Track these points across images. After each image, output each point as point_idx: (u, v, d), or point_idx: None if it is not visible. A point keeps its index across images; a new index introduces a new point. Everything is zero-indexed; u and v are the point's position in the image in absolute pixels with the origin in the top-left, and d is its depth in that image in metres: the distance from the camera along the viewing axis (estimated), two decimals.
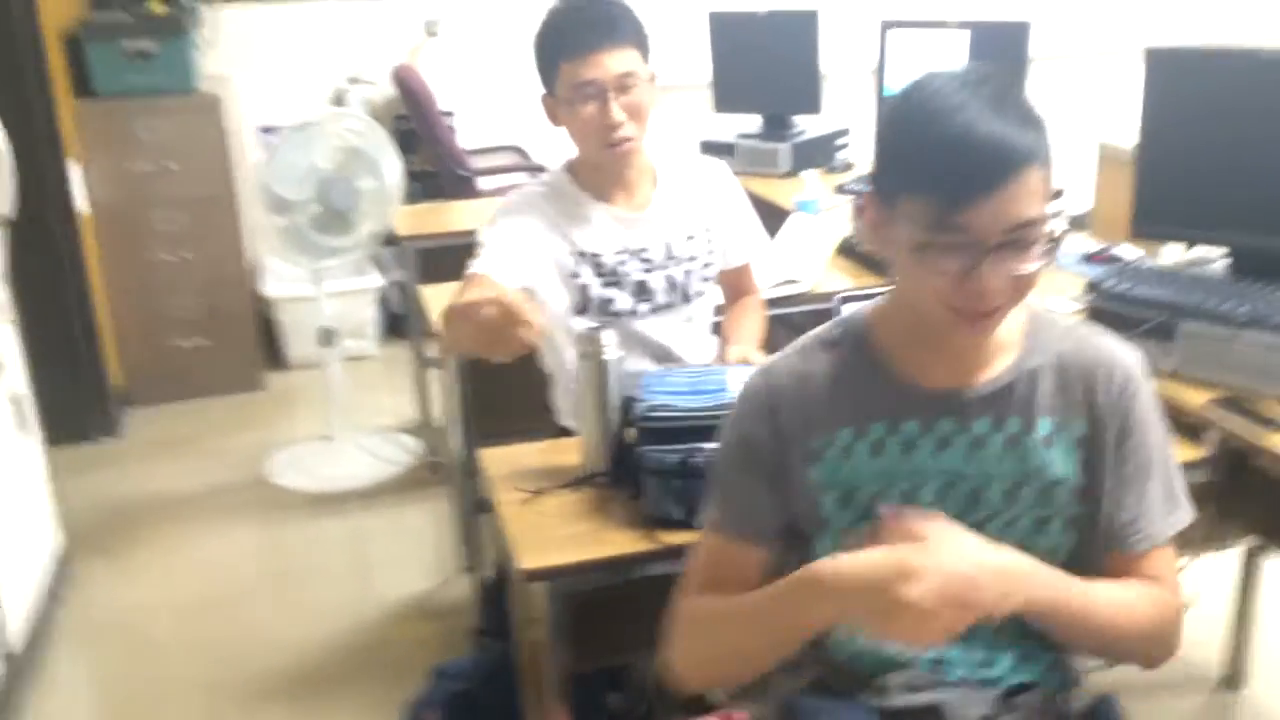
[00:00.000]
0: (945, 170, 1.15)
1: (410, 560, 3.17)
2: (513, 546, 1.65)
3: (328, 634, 2.84)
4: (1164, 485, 1.32)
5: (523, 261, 2.00)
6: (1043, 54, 2.86)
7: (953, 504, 1.27)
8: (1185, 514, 1.33)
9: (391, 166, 3.45)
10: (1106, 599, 1.26)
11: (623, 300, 2.09)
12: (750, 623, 1.27)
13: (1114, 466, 1.30)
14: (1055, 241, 1.22)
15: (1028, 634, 1.31)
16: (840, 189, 2.99)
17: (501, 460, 1.91)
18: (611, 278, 2.08)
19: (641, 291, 2.10)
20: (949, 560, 1.12)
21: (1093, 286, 2.06)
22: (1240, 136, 2.02)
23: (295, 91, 4.68)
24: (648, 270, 2.10)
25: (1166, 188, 2.10)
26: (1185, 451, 1.88)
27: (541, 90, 2.04)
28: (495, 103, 4.94)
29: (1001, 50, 2.73)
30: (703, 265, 2.16)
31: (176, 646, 2.83)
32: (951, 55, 2.79)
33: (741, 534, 1.35)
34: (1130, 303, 1.98)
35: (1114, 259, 2.51)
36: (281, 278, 4.57)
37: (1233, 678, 2.43)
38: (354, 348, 4.45)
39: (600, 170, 2.06)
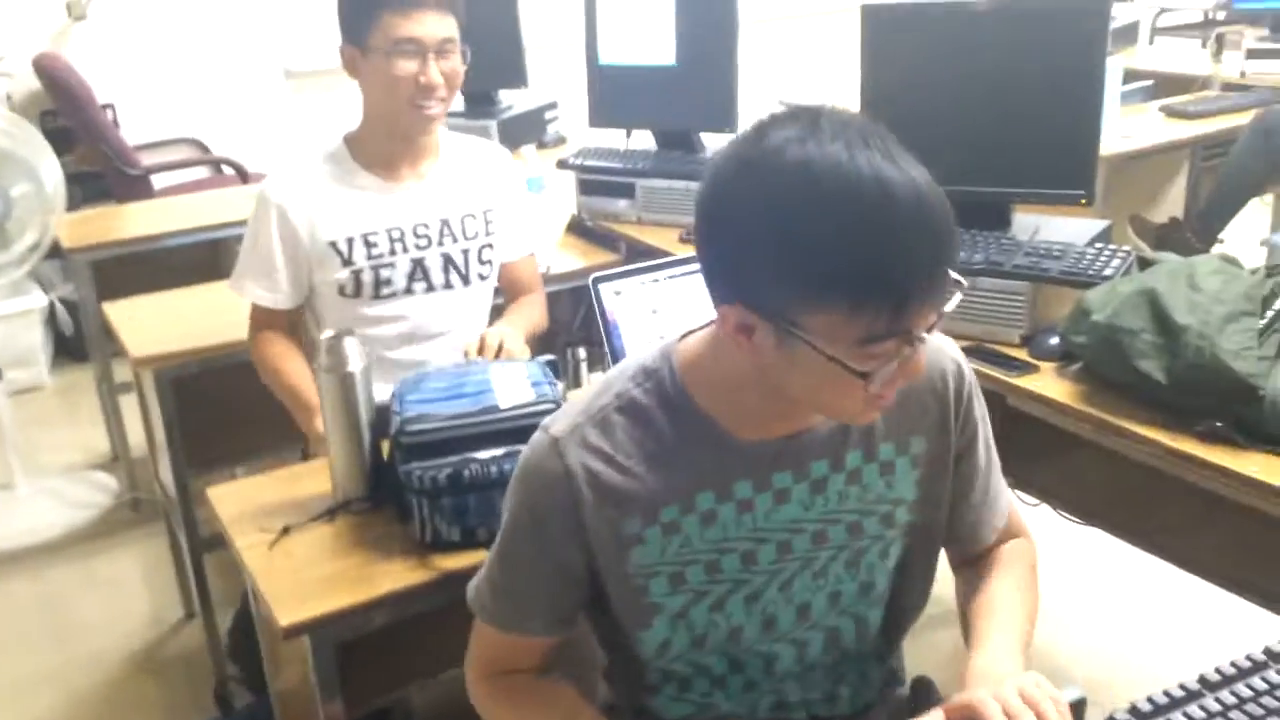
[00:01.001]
0: (890, 270, 0.91)
1: (124, 613, 2.79)
2: (264, 599, 1.43)
3: (37, 712, 2.45)
4: (996, 472, 1.27)
5: (288, 277, 1.97)
6: (753, 17, 2.86)
7: (796, 557, 1.15)
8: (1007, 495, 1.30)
9: (51, 169, 3.00)
10: (1026, 614, 1.20)
11: (398, 280, 1.99)
12: None
13: (957, 474, 1.21)
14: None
15: (862, 655, 1.26)
16: (562, 164, 2.88)
17: (233, 497, 1.67)
18: (387, 258, 1.97)
19: (417, 271, 2.00)
20: None
21: None
22: (952, 90, 2.07)
23: None
24: (423, 247, 1.99)
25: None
26: None
27: (341, 39, 1.92)
28: (163, 92, 4.47)
29: (709, 15, 2.69)
30: (480, 247, 2.06)
31: None
32: (660, 21, 2.73)
33: (523, 630, 1.20)
34: None
35: None
36: None
37: None
38: (21, 379, 3.92)
39: (392, 136, 1.96)
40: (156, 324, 2.39)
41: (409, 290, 2.00)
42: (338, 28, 1.95)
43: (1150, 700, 1.08)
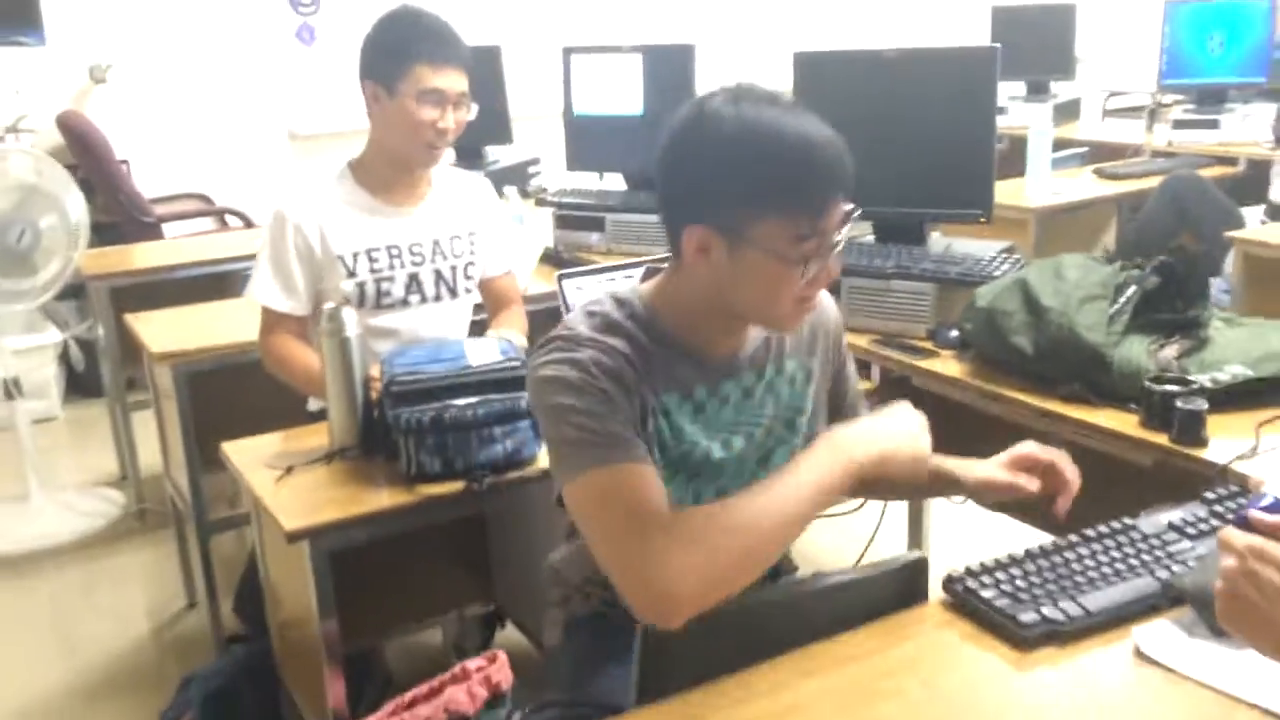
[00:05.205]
0: (808, 183, 1.25)
1: (131, 604, 3.03)
2: (270, 514, 1.70)
3: (48, 695, 2.68)
4: (859, 388, 1.63)
5: (303, 284, 2.21)
6: (707, 72, 3.22)
7: (732, 454, 1.41)
8: None
9: (75, 203, 3.32)
10: None
11: (396, 291, 2.25)
12: (770, 506, 1.25)
13: (834, 389, 1.55)
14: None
15: None
16: (540, 200, 3.20)
17: (246, 450, 1.94)
18: (386, 271, 2.23)
19: (413, 284, 2.26)
20: None
21: None
22: (872, 126, 2.39)
23: None
24: (417, 264, 2.26)
25: None
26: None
27: (366, 75, 2.19)
28: (175, 149, 4.82)
29: (671, 71, 3.05)
30: (466, 264, 2.34)
31: None
32: (628, 77, 3.09)
33: (646, 458, 1.29)
34: None
35: None
36: None
37: None
38: (36, 409, 4.17)
39: (396, 166, 2.24)
40: (172, 329, 2.68)
41: (405, 301, 2.26)
42: (362, 65, 2.20)
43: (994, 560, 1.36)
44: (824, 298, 1.51)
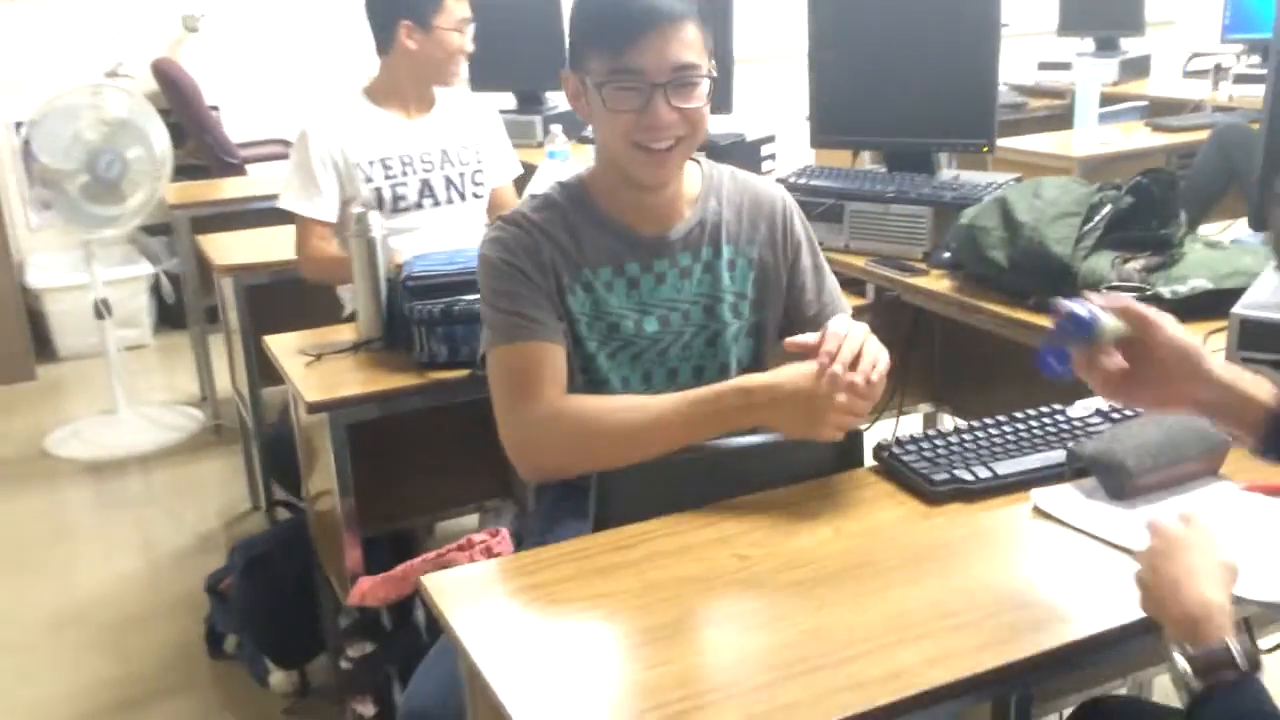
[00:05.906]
0: (615, 22, 1.43)
1: (202, 505, 3.32)
2: (298, 393, 1.91)
3: (125, 582, 2.96)
4: (828, 277, 1.69)
5: (331, 192, 2.49)
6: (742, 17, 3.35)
7: (671, 329, 1.57)
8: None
9: (159, 136, 3.59)
10: None
11: (410, 196, 2.55)
12: (660, 422, 1.44)
13: (792, 277, 1.64)
14: (715, 82, 1.48)
15: None
16: (582, 139, 3.37)
17: (284, 343, 2.15)
18: (400, 178, 2.53)
19: (425, 189, 2.56)
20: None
21: (779, 182, 2.50)
22: (884, 58, 2.51)
23: (50, 87, 4.68)
24: (428, 170, 2.57)
25: (833, 101, 2.57)
26: (852, 300, 2.35)
27: (402, 16, 2.51)
28: (263, 97, 5.09)
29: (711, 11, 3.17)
30: (474, 172, 2.63)
31: None
32: None
33: (549, 337, 1.50)
34: (809, 192, 2.43)
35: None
36: (47, 269, 4.58)
37: None
38: (128, 336, 4.51)
39: (416, 86, 2.58)
40: (238, 248, 2.94)
41: (419, 205, 2.55)
42: (390, 5, 2.53)
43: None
44: (761, 183, 1.65)
